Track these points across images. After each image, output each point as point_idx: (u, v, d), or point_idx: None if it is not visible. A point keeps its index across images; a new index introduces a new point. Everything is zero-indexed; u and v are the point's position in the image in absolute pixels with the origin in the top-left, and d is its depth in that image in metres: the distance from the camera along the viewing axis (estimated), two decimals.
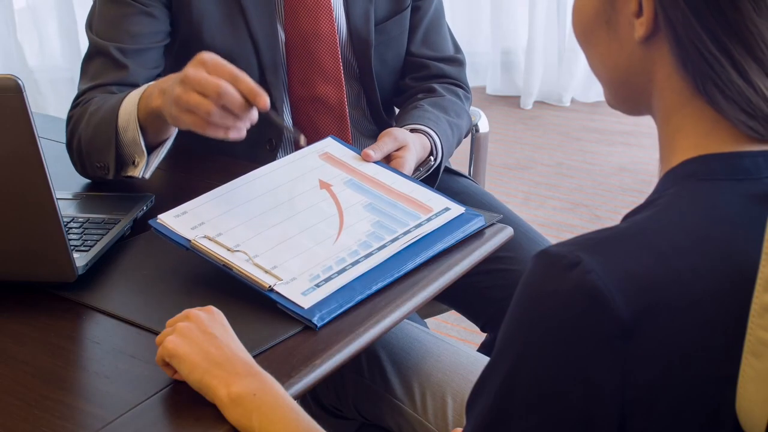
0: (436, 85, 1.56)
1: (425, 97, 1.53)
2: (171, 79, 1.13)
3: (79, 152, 1.31)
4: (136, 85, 1.35)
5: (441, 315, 1.65)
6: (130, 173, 1.26)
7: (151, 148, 1.26)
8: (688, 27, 0.68)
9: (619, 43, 0.74)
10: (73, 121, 1.33)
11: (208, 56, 1.08)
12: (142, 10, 1.37)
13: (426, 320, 1.66)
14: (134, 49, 1.36)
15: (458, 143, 1.54)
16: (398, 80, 1.60)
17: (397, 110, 1.64)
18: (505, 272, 1.39)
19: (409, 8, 1.55)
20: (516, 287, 0.68)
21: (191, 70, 1.07)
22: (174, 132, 1.27)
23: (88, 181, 1.34)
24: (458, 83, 1.60)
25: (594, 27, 0.75)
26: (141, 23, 1.36)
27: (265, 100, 1.06)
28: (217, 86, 1.04)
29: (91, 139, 1.28)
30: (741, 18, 0.66)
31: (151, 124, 1.22)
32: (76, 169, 1.35)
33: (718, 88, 0.68)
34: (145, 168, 1.24)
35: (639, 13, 0.71)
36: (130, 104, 1.23)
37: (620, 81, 0.76)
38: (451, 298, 1.48)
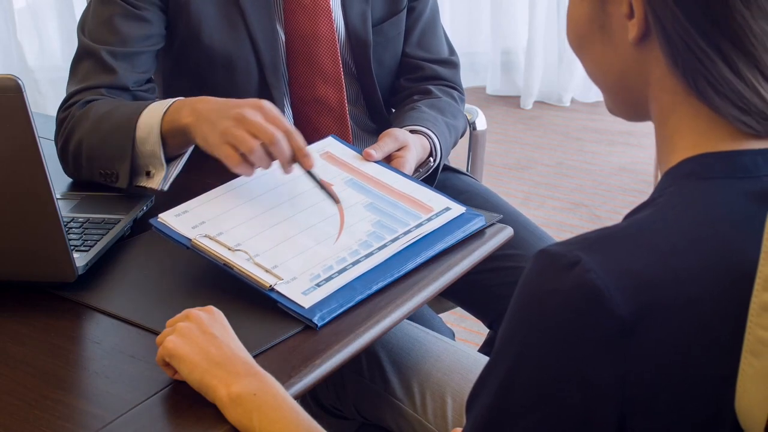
0: (431, 87, 1.56)
1: (421, 99, 1.53)
2: (210, 103, 1.18)
3: (77, 156, 1.31)
4: (125, 88, 1.35)
5: (443, 314, 1.65)
6: (143, 184, 1.27)
7: (168, 161, 1.27)
8: (677, 24, 0.68)
9: (613, 47, 0.74)
10: (69, 124, 1.32)
11: (267, 104, 1.14)
12: (136, 14, 1.36)
13: None
14: (124, 52, 1.35)
15: (454, 145, 1.54)
16: (394, 81, 1.60)
17: (392, 110, 1.64)
18: (513, 269, 1.39)
19: (405, 9, 1.55)
20: None
21: (249, 111, 1.12)
22: (191, 147, 1.29)
23: (88, 181, 1.34)
24: (453, 85, 1.60)
25: (588, 33, 0.76)
26: (133, 26, 1.36)
27: (311, 162, 1.14)
28: (273, 135, 1.10)
29: (98, 146, 1.27)
30: (729, 13, 0.66)
31: (173, 138, 1.24)
32: (67, 170, 1.34)
33: (710, 84, 0.68)
34: (164, 180, 1.26)
35: (630, 14, 0.71)
36: (151, 117, 1.24)
37: (617, 85, 0.76)
38: (458, 295, 1.48)
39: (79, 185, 1.33)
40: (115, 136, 1.26)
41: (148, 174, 1.27)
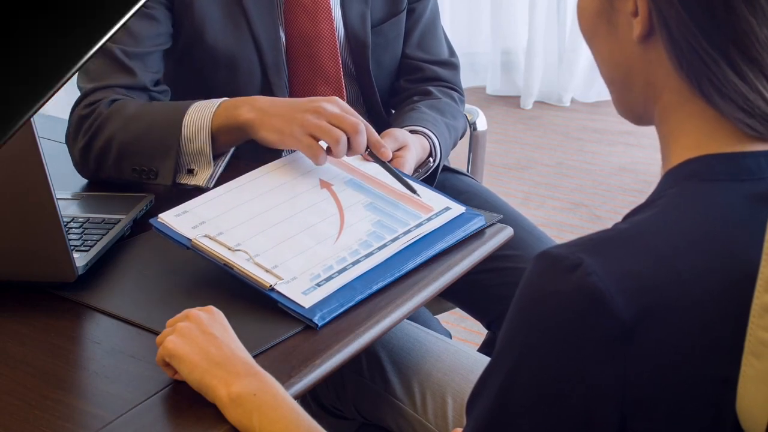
0: (431, 88, 1.56)
1: (421, 100, 1.53)
2: (273, 100, 1.24)
3: (104, 153, 1.30)
4: (144, 89, 1.36)
5: (442, 314, 1.65)
6: (185, 181, 1.29)
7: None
8: (682, 25, 0.68)
9: (619, 43, 0.74)
10: (95, 122, 1.31)
11: (340, 100, 1.20)
12: (145, 13, 1.36)
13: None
14: (137, 52, 1.35)
15: (454, 145, 1.54)
16: (394, 82, 1.60)
17: (392, 111, 1.64)
18: (513, 270, 1.39)
19: (405, 11, 1.55)
20: None
21: (327, 105, 1.18)
22: (236, 145, 1.31)
23: (88, 181, 1.34)
24: (452, 86, 1.61)
25: (596, 26, 0.76)
26: (144, 24, 1.36)
27: (388, 153, 1.21)
28: (357, 125, 1.17)
29: (133, 143, 1.28)
30: (734, 17, 0.66)
31: (226, 135, 1.27)
32: (84, 169, 1.33)
33: (715, 86, 0.68)
34: (210, 178, 1.28)
35: (635, 12, 0.71)
36: (199, 117, 1.26)
37: (622, 81, 0.76)
38: (457, 296, 1.49)
39: (78, 185, 1.33)
40: (156, 134, 1.27)
41: (190, 172, 1.29)
